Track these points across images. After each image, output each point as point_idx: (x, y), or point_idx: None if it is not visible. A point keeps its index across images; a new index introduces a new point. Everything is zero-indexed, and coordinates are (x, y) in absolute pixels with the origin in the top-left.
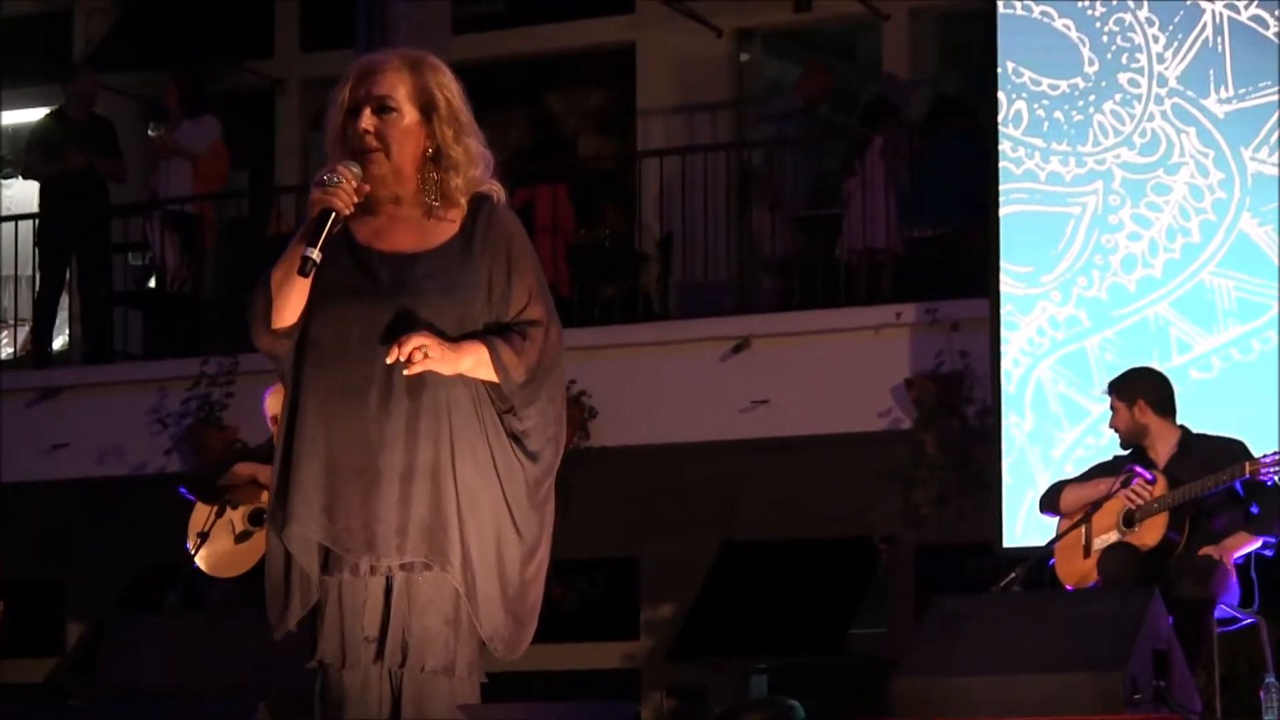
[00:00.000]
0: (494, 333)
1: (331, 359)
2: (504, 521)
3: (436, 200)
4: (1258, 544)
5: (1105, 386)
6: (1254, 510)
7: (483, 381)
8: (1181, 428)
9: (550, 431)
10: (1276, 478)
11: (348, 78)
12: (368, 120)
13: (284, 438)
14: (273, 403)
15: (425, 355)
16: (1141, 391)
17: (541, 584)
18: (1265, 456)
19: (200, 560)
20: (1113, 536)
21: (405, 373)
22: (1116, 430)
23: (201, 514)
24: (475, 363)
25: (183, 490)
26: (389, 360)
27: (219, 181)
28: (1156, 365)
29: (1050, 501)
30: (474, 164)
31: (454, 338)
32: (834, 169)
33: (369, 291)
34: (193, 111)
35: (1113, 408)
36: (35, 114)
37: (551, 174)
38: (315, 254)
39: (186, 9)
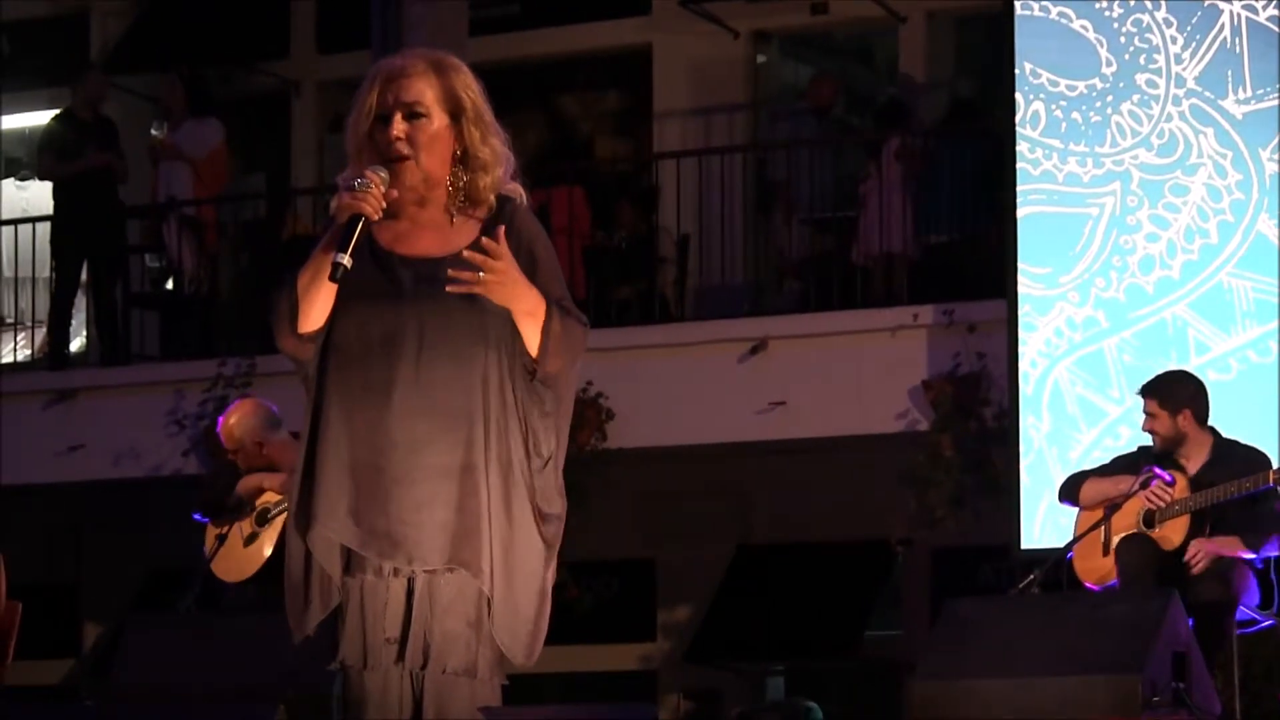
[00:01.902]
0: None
1: (354, 362)
2: (529, 526)
3: (464, 202)
4: (1249, 556)
5: (1139, 389)
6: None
7: (504, 356)
8: (1212, 431)
9: (560, 429)
10: None
11: (373, 81)
12: (399, 127)
13: (307, 441)
14: (237, 424)
15: (487, 283)
16: (1187, 401)
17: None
18: None
19: (212, 567)
20: None
21: (454, 289)
22: (1154, 434)
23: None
24: (528, 310)
25: (197, 516)
26: (466, 255)
27: (219, 185)
28: (1175, 367)
29: (1070, 491)
30: (499, 164)
31: (475, 342)
32: (850, 171)
33: (392, 295)
34: (198, 113)
35: (1152, 413)
36: (48, 115)
37: (568, 176)
38: (346, 259)
39: (202, 11)
